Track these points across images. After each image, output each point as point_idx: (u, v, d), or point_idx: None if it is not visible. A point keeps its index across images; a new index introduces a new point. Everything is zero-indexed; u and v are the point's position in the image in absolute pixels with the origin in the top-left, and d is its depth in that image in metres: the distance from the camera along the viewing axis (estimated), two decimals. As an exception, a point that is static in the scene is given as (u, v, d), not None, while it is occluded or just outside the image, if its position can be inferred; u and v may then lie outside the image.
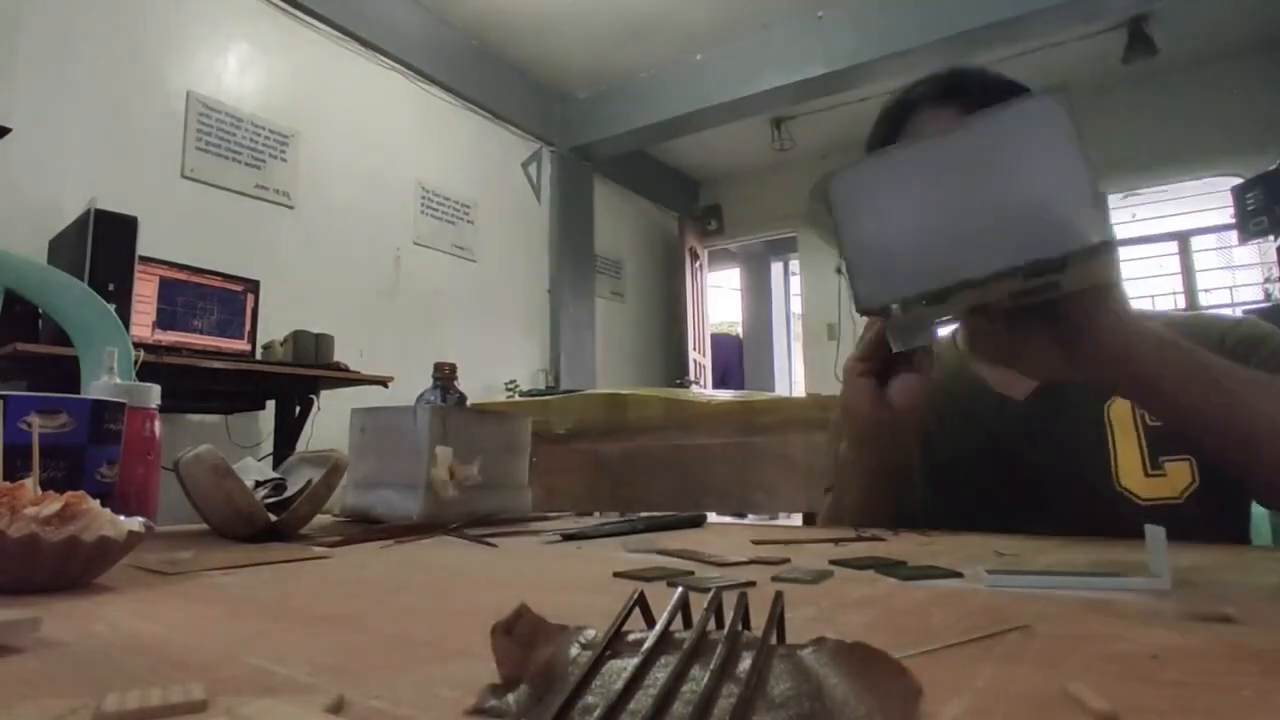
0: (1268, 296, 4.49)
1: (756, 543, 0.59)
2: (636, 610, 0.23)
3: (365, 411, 0.87)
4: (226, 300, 2.75)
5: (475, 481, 0.81)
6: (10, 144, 2.19)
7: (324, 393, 2.87)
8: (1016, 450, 0.75)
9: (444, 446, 0.80)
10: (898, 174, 0.49)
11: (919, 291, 0.47)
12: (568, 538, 0.64)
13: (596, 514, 0.86)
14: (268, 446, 2.87)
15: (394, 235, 3.81)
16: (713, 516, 0.86)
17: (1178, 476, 0.69)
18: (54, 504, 0.39)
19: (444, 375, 1.33)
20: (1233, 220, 4.20)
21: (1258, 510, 0.74)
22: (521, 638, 0.21)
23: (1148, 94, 4.66)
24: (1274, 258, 4.27)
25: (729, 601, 0.23)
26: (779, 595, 0.23)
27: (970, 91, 0.77)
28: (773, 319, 7.03)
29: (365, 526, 0.77)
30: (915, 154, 0.49)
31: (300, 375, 2.75)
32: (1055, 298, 0.49)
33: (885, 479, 0.73)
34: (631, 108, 4.76)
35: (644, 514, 0.79)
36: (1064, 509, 0.71)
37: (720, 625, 0.22)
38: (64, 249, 2.36)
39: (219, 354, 2.59)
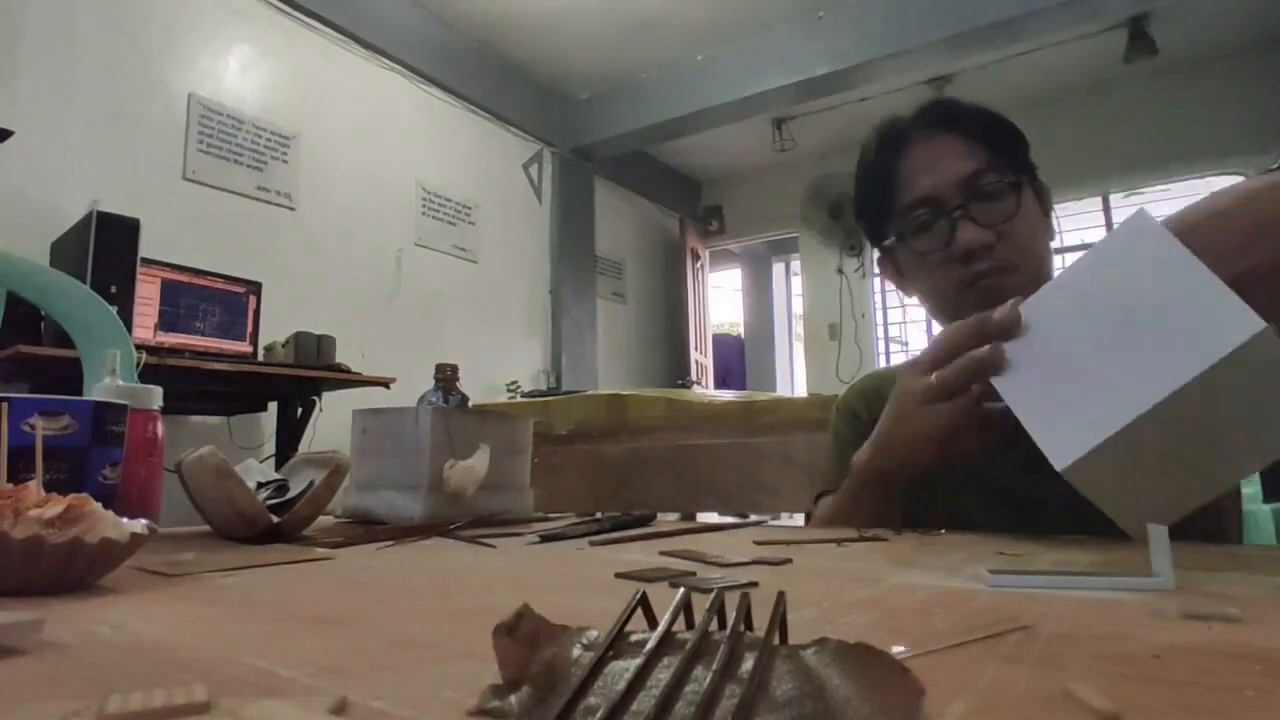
0: (1270, 296, 4.48)
1: (758, 543, 0.59)
2: (639, 611, 0.23)
3: (367, 413, 0.87)
4: (228, 302, 2.75)
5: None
6: (12, 147, 2.20)
7: (326, 394, 2.87)
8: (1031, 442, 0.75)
9: (485, 445, 0.81)
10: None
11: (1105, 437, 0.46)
12: (546, 539, 0.64)
13: (599, 514, 0.86)
14: (270, 448, 2.87)
15: (395, 236, 3.81)
16: (713, 517, 0.86)
17: None
18: (57, 506, 0.39)
19: (446, 376, 1.33)
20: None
21: (1260, 509, 0.74)
22: (524, 639, 0.21)
23: (1148, 93, 4.65)
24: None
25: (731, 602, 0.23)
26: (781, 595, 0.23)
27: (960, 119, 0.78)
28: (774, 319, 7.03)
29: (367, 528, 0.77)
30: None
31: (302, 377, 2.76)
32: None
33: (885, 499, 0.73)
34: (632, 108, 4.76)
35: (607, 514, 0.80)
36: (1082, 500, 0.71)
37: (722, 626, 0.22)
38: (66, 251, 2.36)
39: (221, 356, 2.59)
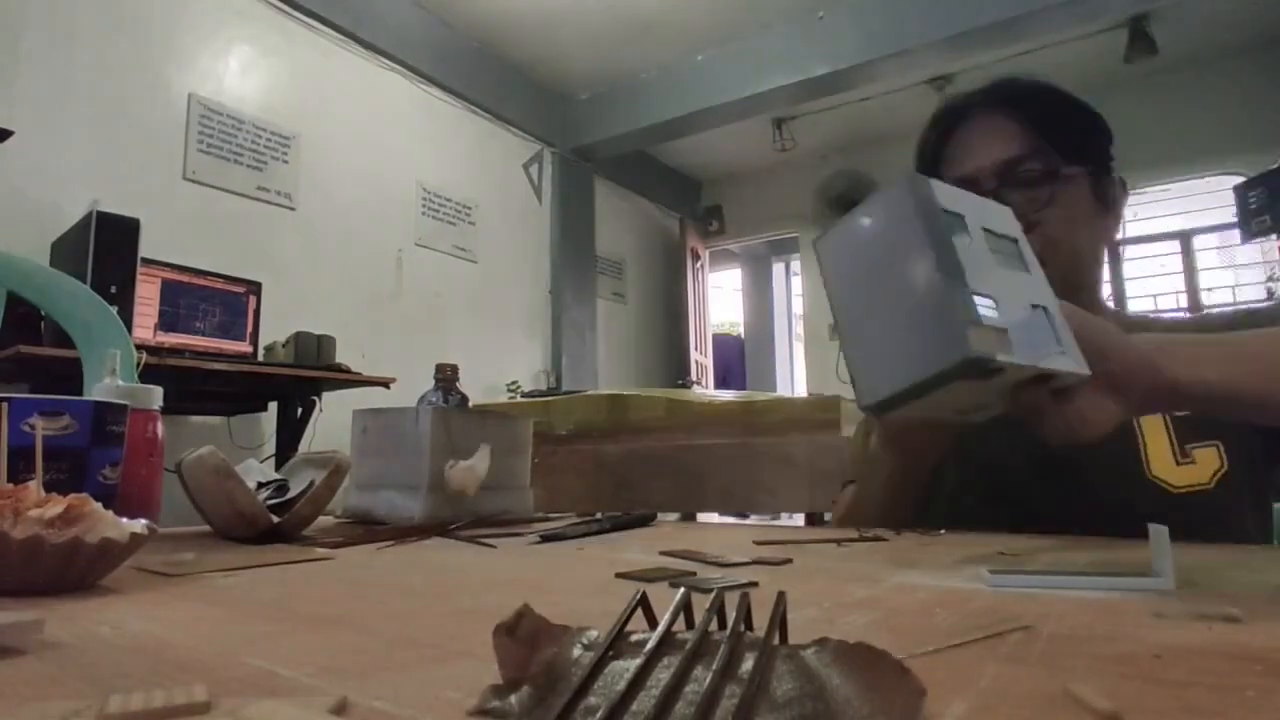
0: (1270, 295, 4.48)
1: (758, 543, 0.59)
2: (639, 611, 0.23)
3: (367, 413, 0.88)
4: (228, 302, 2.75)
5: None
6: (12, 147, 2.20)
7: (326, 394, 2.87)
8: (1049, 447, 0.75)
9: (487, 445, 0.81)
10: (857, 252, 0.48)
11: (893, 393, 0.44)
12: (546, 539, 0.64)
13: (599, 514, 0.86)
14: (270, 448, 2.87)
15: (395, 236, 3.81)
16: (714, 517, 0.86)
17: (1206, 462, 0.70)
18: (57, 506, 0.39)
19: (446, 376, 1.33)
20: (1235, 219, 4.19)
21: (1278, 508, 0.74)
22: (524, 639, 0.21)
23: (1149, 93, 4.65)
24: (1276, 257, 4.27)
25: (731, 602, 0.23)
26: (781, 595, 0.23)
27: (1022, 100, 0.76)
28: (774, 319, 7.03)
29: (367, 528, 0.77)
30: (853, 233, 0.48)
31: (302, 377, 2.76)
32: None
33: (911, 480, 0.73)
34: (633, 108, 4.76)
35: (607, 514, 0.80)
36: (1099, 503, 0.71)
37: (722, 626, 0.22)
38: (66, 251, 2.36)
39: (221, 356, 2.59)
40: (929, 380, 0.42)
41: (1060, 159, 0.74)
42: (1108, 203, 0.78)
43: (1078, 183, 0.75)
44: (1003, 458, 0.77)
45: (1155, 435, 0.72)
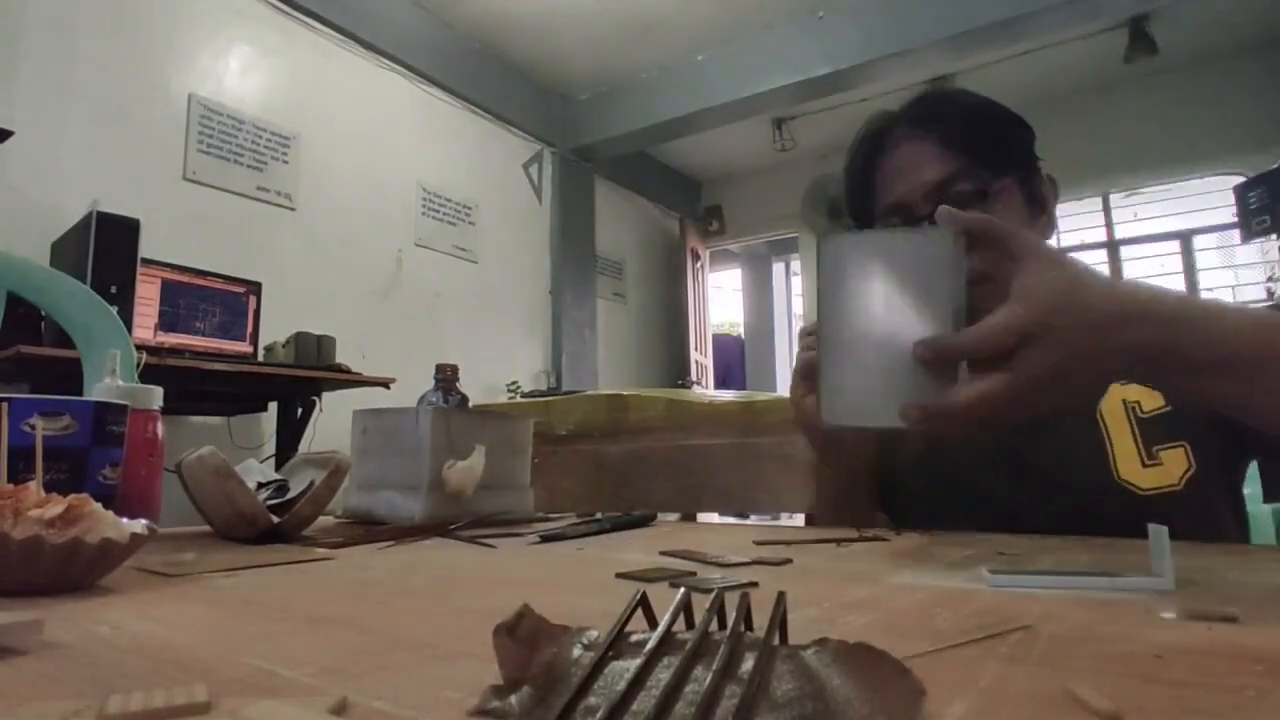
0: (1270, 295, 4.48)
1: (759, 543, 0.59)
2: (639, 611, 0.23)
3: (367, 413, 0.88)
4: (228, 302, 2.75)
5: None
6: (12, 147, 2.20)
7: (326, 394, 2.87)
8: (1016, 450, 0.76)
9: (481, 445, 0.81)
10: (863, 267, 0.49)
11: (863, 426, 0.50)
12: (546, 539, 0.64)
13: (599, 514, 0.86)
14: (270, 448, 2.87)
15: (395, 237, 3.81)
16: (714, 517, 0.86)
17: (1174, 464, 0.70)
18: (57, 506, 0.39)
19: (446, 376, 1.33)
20: (1235, 219, 4.19)
21: (1260, 509, 0.74)
22: (524, 639, 0.21)
23: (1149, 93, 4.65)
24: (1276, 256, 4.26)
25: (731, 602, 0.23)
26: (781, 596, 0.23)
27: (947, 120, 0.76)
28: (774, 319, 7.03)
29: (367, 528, 0.77)
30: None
31: (302, 377, 2.76)
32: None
33: (852, 475, 0.74)
34: (633, 109, 4.76)
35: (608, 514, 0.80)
36: (1068, 506, 0.71)
37: (722, 626, 0.22)
38: (66, 251, 2.36)
39: (221, 356, 2.59)
40: (899, 430, 0.46)
41: (989, 174, 0.73)
42: (1040, 203, 0.77)
43: (1009, 193, 0.74)
44: (971, 468, 0.77)
45: (1121, 438, 0.72)
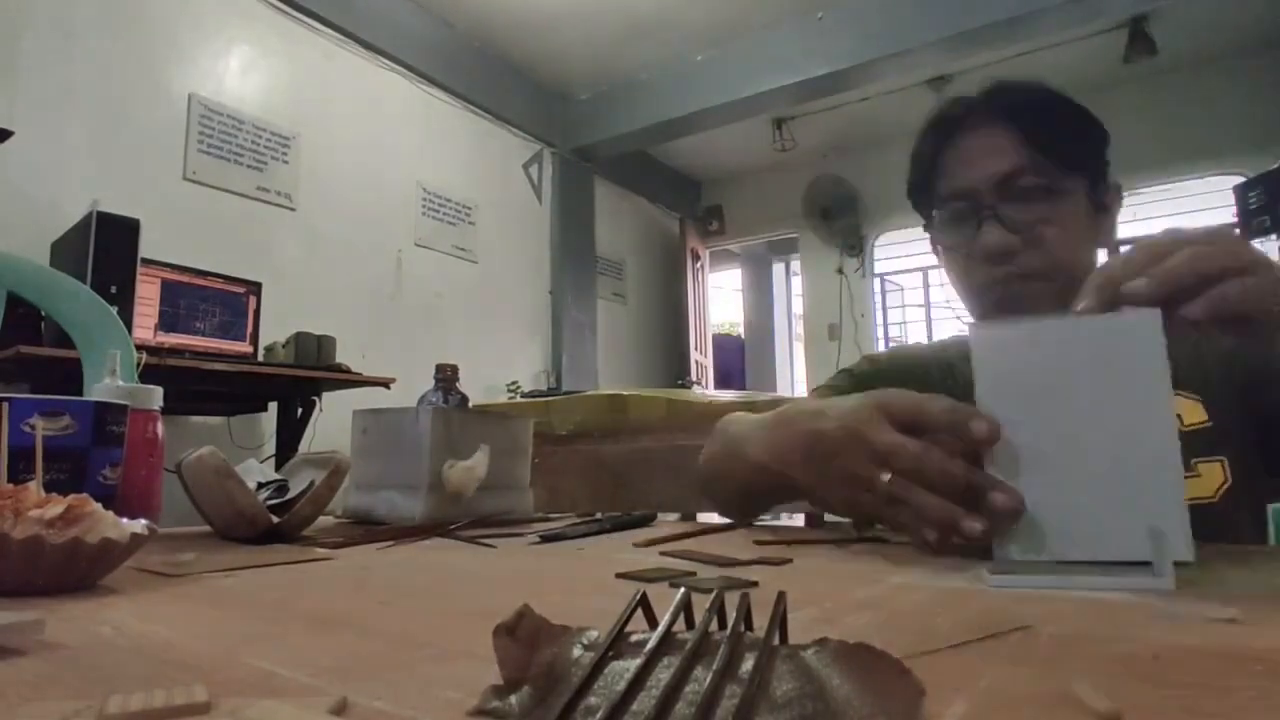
0: (1270, 295, 4.47)
1: (759, 543, 0.59)
2: (639, 611, 0.23)
3: (367, 413, 0.87)
4: (228, 302, 2.75)
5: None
6: (12, 147, 2.20)
7: (326, 394, 2.87)
8: None
9: (486, 445, 0.81)
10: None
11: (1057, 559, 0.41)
12: (546, 539, 0.64)
13: (599, 515, 0.86)
14: (270, 448, 2.87)
15: (395, 237, 3.81)
16: (714, 517, 0.86)
17: (1211, 477, 0.70)
18: (57, 506, 0.39)
19: (446, 377, 1.33)
20: (1235, 219, 4.19)
21: (1275, 508, 0.74)
22: (524, 639, 0.21)
23: (1149, 93, 4.65)
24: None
25: (731, 602, 0.23)
26: (781, 596, 0.23)
27: (1019, 110, 0.75)
28: (774, 319, 7.03)
29: (367, 528, 0.77)
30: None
31: (302, 377, 2.76)
32: None
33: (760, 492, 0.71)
34: (632, 109, 4.76)
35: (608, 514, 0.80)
36: None
37: (723, 626, 0.22)
38: (66, 251, 2.36)
39: (221, 356, 2.59)
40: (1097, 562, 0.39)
41: (1058, 172, 0.73)
42: (1104, 209, 0.77)
43: (1075, 194, 0.74)
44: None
45: None
